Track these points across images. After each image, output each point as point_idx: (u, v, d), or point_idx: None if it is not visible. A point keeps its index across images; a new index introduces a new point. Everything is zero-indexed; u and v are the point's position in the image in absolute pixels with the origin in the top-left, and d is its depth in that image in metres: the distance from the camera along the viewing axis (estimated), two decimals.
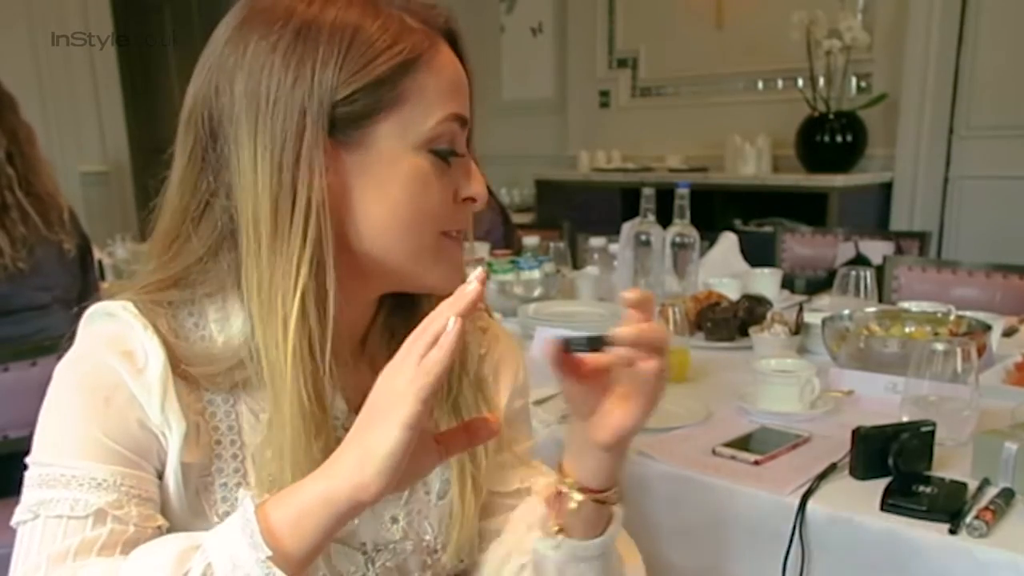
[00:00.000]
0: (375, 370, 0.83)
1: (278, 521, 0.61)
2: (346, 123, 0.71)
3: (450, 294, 0.72)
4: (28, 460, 0.70)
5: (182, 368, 0.72)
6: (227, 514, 0.71)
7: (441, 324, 0.62)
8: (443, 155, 0.74)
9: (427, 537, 0.83)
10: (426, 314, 0.82)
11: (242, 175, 0.71)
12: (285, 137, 0.69)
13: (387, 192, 0.73)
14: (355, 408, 0.80)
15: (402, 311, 0.84)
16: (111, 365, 0.70)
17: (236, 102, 0.71)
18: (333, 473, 0.62)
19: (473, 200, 0.77)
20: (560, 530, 0.77)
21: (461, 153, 0.76)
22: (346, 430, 0.78)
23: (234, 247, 0.73)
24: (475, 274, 0.63)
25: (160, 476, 0.72)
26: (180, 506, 0.72)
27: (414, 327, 0.83)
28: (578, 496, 0.74)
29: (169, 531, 0.71)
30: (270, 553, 0.59)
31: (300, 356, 0.70)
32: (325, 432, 0.72)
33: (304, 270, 0.70)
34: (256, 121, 0.70)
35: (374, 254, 0.75)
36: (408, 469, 0.62)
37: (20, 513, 0.68)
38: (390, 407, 0.61)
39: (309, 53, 0.70)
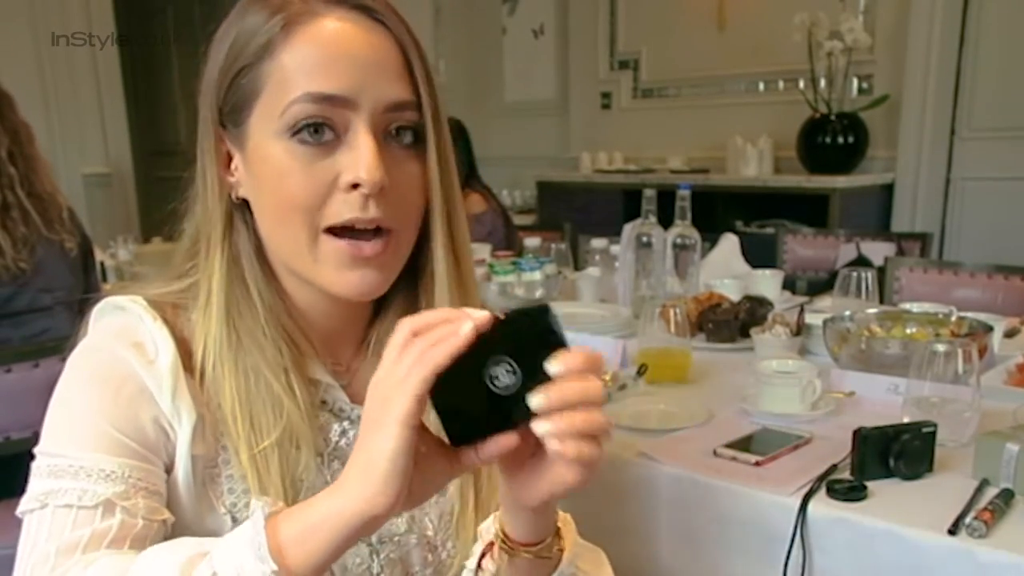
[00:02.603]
0: None
1: (287, 536, 0.60)
2: (231, 121, 0.73)
3: (349, 294, 0.73)
4: (36, 451, 0.71)
5: (190, 362, 0.73)
6: (234, 505, 0.73)
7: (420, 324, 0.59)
8: (305, 142, 0.69)
9: (428, 532, 0.83)
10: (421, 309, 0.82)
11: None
12: (201, 139, 0.75)
13: (261, 188, 0.73)
14: (360, 401, 0.81)
15: (407, 309, 0.82)
16: (122, 356, 0.71)
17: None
18: (343, 489, 0.60)
19: (360, 185, 0.69)
20: None
21: (338, 135, 0.70)
22: (352, 423, 0.80)
23: None
24: (477, 315, 0.58)
25: (168, 470, 0.72)
26: (189, 498, 0.72)
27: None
28: (506, 555, 0.72)
29: (176, 525, 0.71)
30: (275, 568, 0.58)
31: (202, 339, 0.73)
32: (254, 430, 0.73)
33: (210, 259, 0.75)
34: (199, 124, 0.75)
35: (272, 251, 0.76)
36: (420, 479, 0.60)
37: (27, 502, 0.68)
38: (383, 410, 0.57)
39: (210, 58, 0.73)
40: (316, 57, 0.69)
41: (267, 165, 0.71)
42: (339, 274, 0.72)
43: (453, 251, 0.78)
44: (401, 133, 0.72)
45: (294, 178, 0.69)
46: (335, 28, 0.69)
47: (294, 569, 0.59)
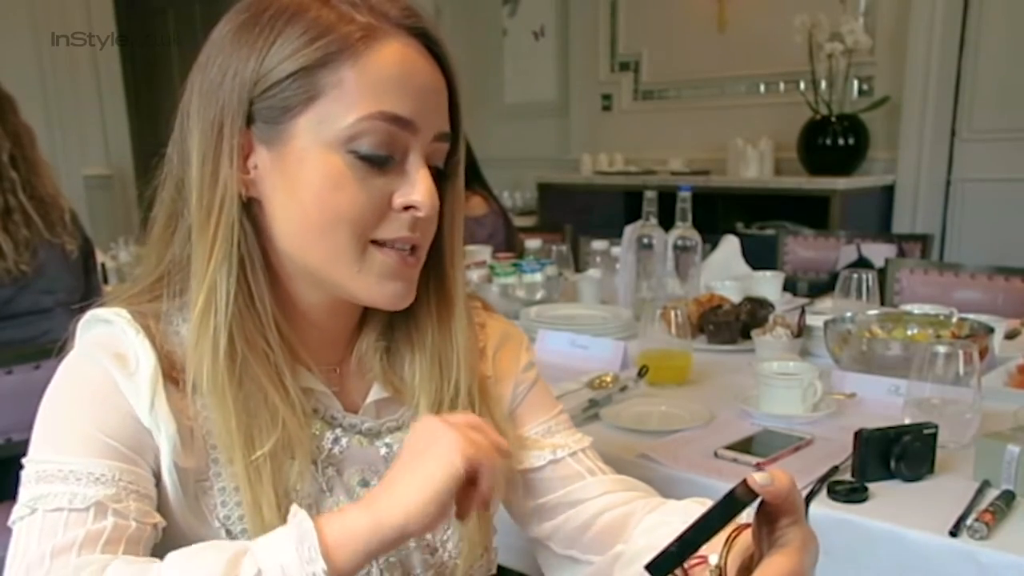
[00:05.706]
0: (367, 380, 0.83)
1: (333, 539, 0.61)
2: (265, 118, 0.71)
3: (384, 303, 0.74)
4: (24, 460, 0.70)
5: (175, 374, 0.73)
6: (227, 518, 0.73)
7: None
8: (367, 158, 0.70)
9: (427, 536, 0.83)
10: (429, 327, 0.81)
11: (187, 167, 0.73)
12: (210, 130, 0.71)
13: (296, 191, 0.71)
14: (352, 409, 0.82)
15: (404, 325, 0.83)
16: (104, 367, 0.71)
17: (192, 97, 0.73)
18: (386, 498, 0.64)
19: (415, 208, 0.72)
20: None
21: (397, 158, 0.72)
22: (344, 430, 0.80)
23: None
24: None
25: (157, 476, 0.72)
26: (181, 509, 0.72)
27: (416, 342, 0.82)
28: None
29: (169, 534, 0.71)
30: (325, 567, 0.60)
31: (200, 352, 0.71)
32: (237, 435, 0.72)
33: (213, 263, 0.71)
34: (199, 115, 0.72)
35: (292, 255, 0.74)
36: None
37: (17, 510, 0.67)
38: (440, 449, 0.64)
39: (239, 48, 0.71)
40: (390, 77, 0.70)
41: (315, 172, 0.70)
42: (380, 284, 0.74)
43: (454, 270, 0.82)
44: (436, 162, 0.75)
45: (349, 191, 0.71)
46: (405, 52, 0.71)
47: (340, 569, 0.61)
